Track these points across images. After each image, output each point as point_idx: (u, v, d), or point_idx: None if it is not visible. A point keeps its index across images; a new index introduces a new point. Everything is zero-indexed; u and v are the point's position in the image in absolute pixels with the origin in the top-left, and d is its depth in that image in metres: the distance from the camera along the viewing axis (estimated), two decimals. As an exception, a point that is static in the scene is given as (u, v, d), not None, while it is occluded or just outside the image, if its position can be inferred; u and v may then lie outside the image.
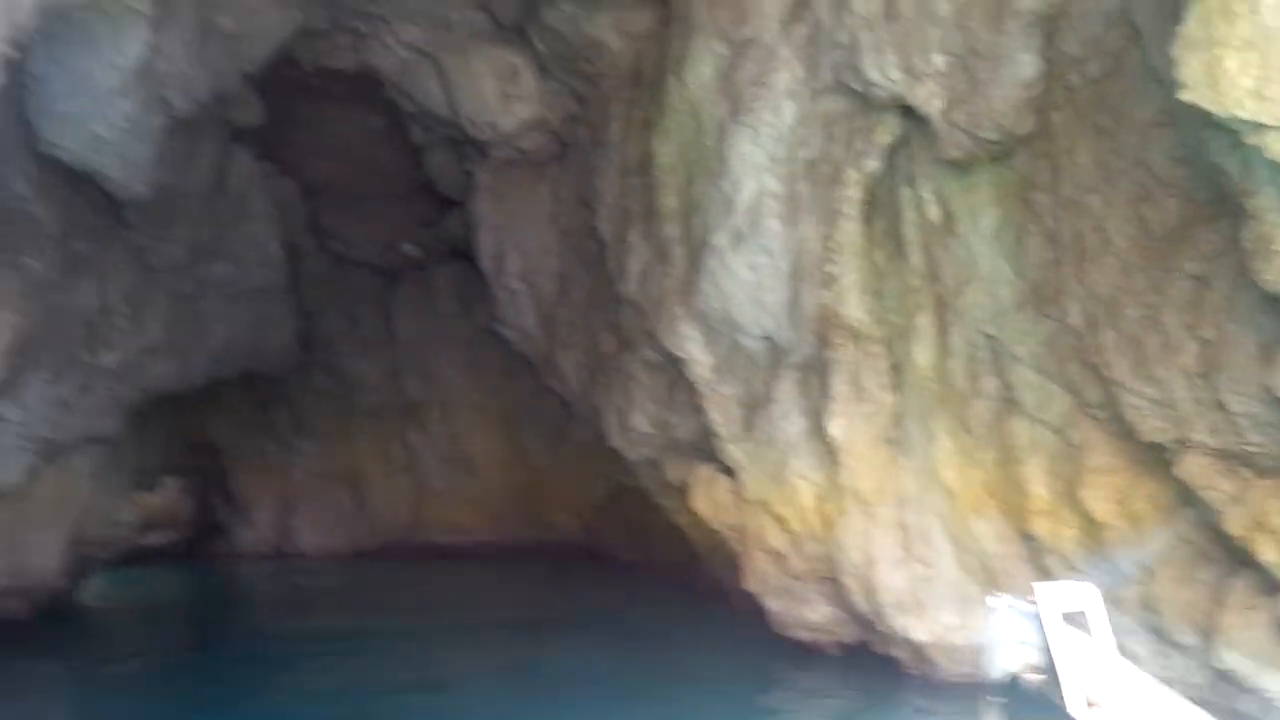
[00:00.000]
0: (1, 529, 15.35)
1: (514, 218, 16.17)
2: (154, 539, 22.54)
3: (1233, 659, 7.24)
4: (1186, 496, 7.56)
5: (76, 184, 13.05)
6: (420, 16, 15.18)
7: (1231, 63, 5.59)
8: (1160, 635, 8.04)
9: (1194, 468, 7.32)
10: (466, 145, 16.69)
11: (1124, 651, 2.44)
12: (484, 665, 12.01)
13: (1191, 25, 5.86)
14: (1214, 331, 6.97)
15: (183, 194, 15.14)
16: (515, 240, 16.20)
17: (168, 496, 23.56)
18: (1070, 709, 1.85)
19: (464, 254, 18.56)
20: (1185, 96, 5.86)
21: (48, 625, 15.91)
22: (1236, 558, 7.16)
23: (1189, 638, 7.79)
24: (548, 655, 12.25)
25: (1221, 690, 7.44)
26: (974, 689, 9.07)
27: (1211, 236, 6.94)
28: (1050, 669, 1.96)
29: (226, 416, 22.33)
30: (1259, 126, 5.58)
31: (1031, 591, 2.05)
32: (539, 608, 15.55)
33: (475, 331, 19.21)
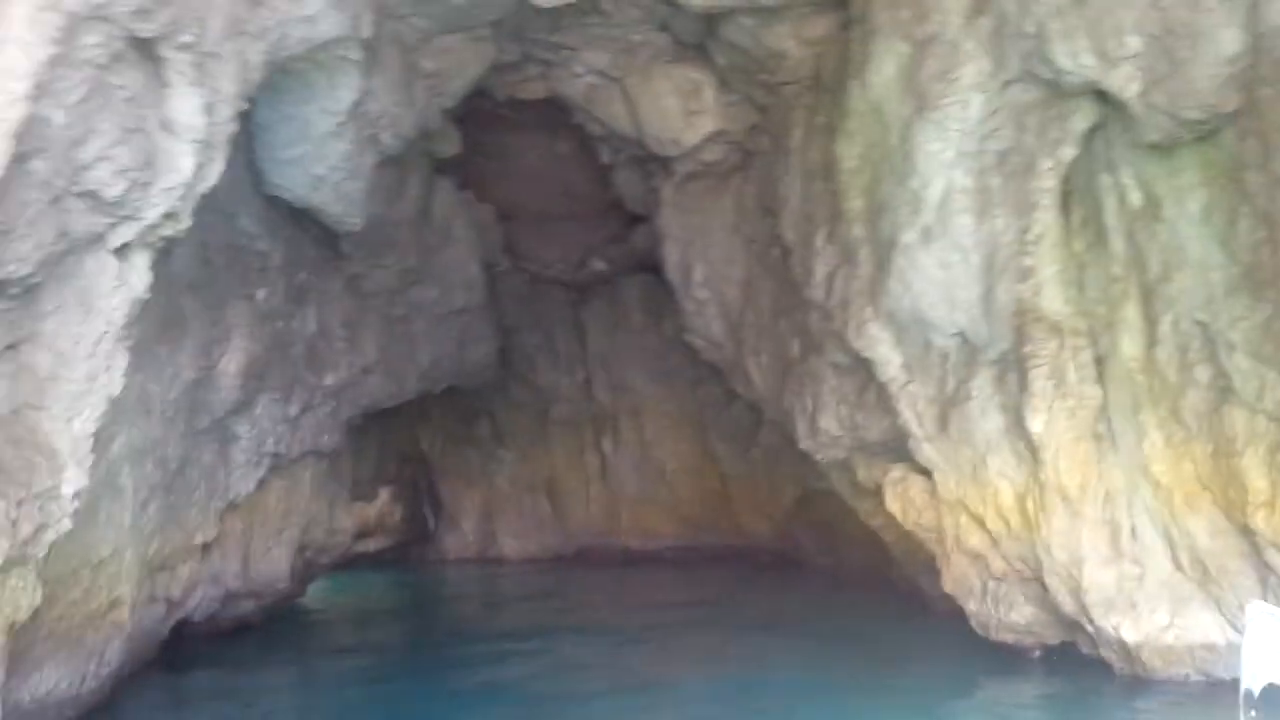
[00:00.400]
0: (235, 537, 16.89)
1: (698, 229, 16.62)
2: (368, 545, 24.22)
3: None
4: None
5: (298, 220, 14.38)
6: (605, 42, 15.86)
7: None
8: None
9: None
10: (651, 162, 17.28)
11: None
12: (680, 667, 12.38)
13: None
14: None
15: (392, 224, 16.38)
16: (700, 250, 16.64)
17: (381, 505, 25.25)
18: None
19: (651, 267, 19.16)
20: None
21: (276, 625, 17.39)
22: None
23: None
24: (742, 657, 12.51)
25: None
26: (1187, 690, 8.77)
27: None
28: None
29: (433, 430, 23.84)
30: None
31: None
32: (732, 610, 15.83)
33: (664, 341, 19.77)
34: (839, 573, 16.39)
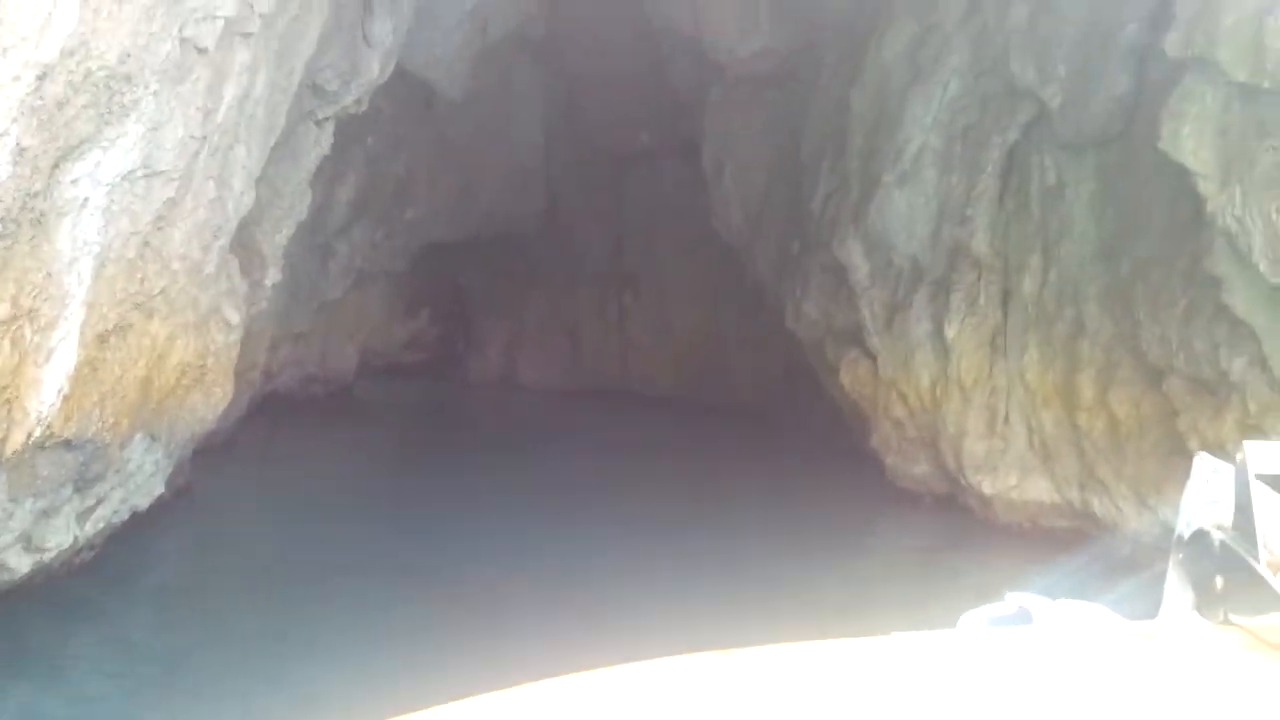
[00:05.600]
0: (318, 333, 21.65)
1: (734, 131, 20.63)
2: (410, 358, 29.01)
3: None
4: (1172, 410, 11.53)
5: (408, 84, 18.43)
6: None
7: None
8: None
9: (1175, 387, 11.29)
10: (706, 63, 21.10)
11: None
12: (656, 475, 17.28)
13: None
14: (1196, 293, 10.84)
15: (481, 92, 20.42)
16: (733, 150, 20.69)
17: (421, 324, 29.91)
18: (1259, 567, 1.78)
19: (689, 152, 23.15)
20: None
21: (336, 406, 22.33)
22: (1175, 444, 11.18)
23: None
24: (703, 480, 17.31)
25: None
26: (1026, 533, 13.46)
27: (1191, 236, 10.72)
28: (1243, 528, 1.84)
29: (475, 267, 28.21)
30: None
31: (1240, 451, 1.92)
32: (711, 448, 20.61)
33: (692, 220, 23.89)
34: (806, 431, 21.02)
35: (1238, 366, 10.10)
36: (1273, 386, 9.67)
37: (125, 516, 9.32)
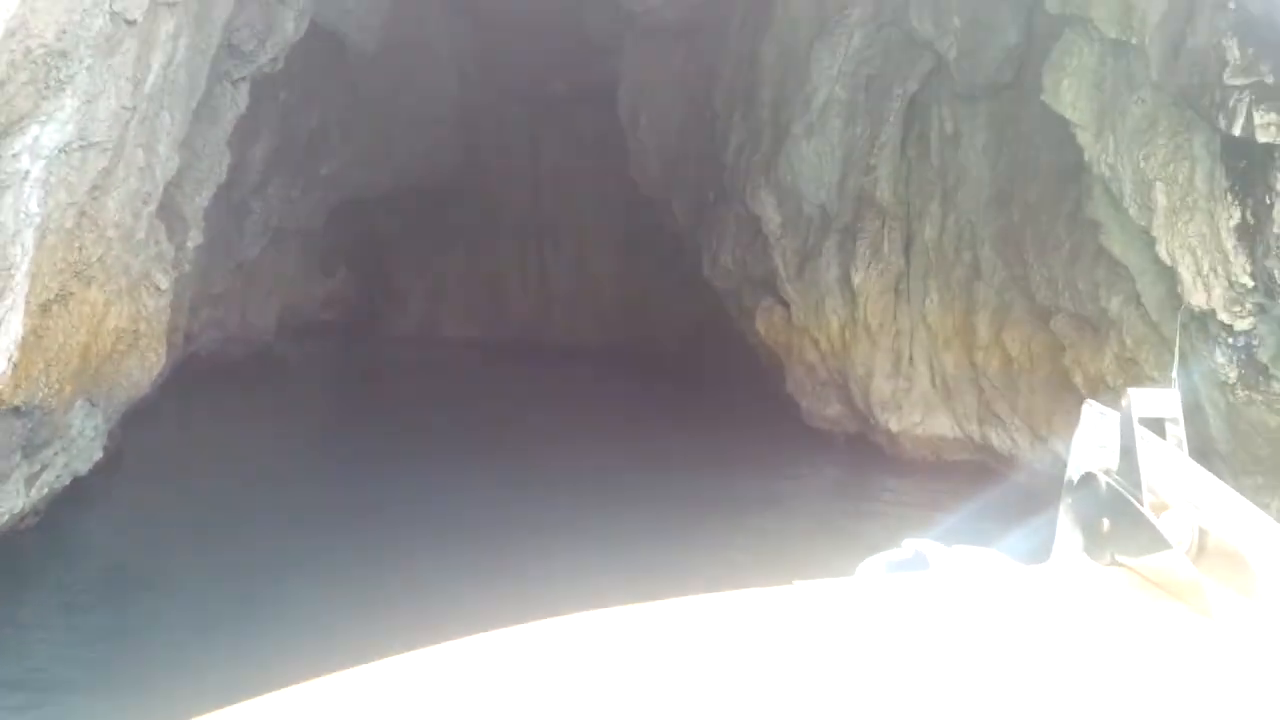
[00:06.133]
0: (236, 294, 21.78)
1: (650, 80, 21.14)
2: (328, 315, 29.13)
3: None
4: (1059, 347, 12.53)
5: (320, 38, 18.53)
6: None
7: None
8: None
9: (1061, 326, 12.28)
10: (619, 12, 21.50)
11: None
12: (580, 425, 17.96)
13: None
14: (1079, 236, 11.78)
15: (391, 42, 20.56)
16: (648, 100, 21.22)
17: (339, 281, 30.00)
18: (1142, 509, 1.78)
19: (605, 101, 23.57)
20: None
21: (255, 367, 22.49)
22: (1063, 379, 12.21)
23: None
24: (622, 424, 18.04)
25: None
26: (931, 466, 14.46)
27: (1074, 182, 11.63)
28: (1128, 472, 1.86)
29: (392, 221, 28.35)
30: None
31: (1125, 397, 1.91)
32: (633, 395, 21.36)
33: (609, 169, 24.39)
34: (726, 377, 21.88)
35: (1115, 304, 11.08)
36: (1145, 322, 10.65)
37: (66, 481, 9.69)
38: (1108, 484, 1.71)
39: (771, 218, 16.48)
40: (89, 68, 7.02)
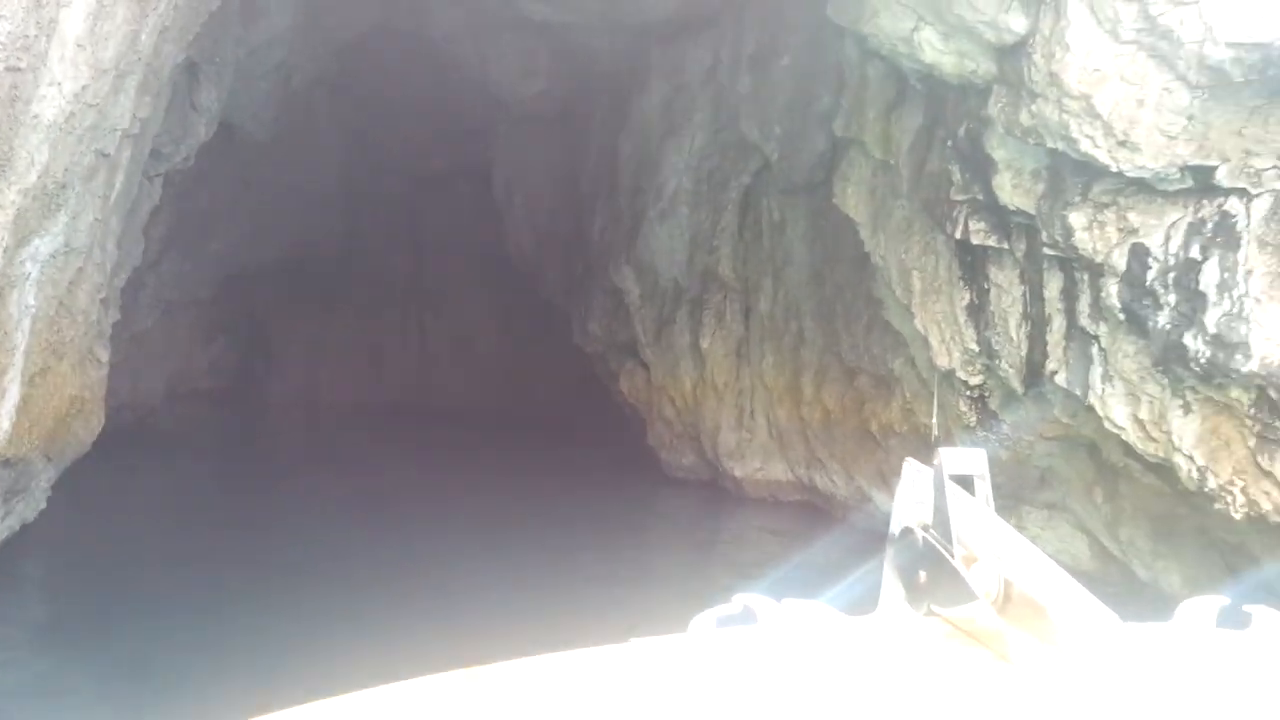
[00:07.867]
0: (128, 363, 23.78)
1: (523, 165, 24.16)
2: (211, 384, 31.05)
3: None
4: (862, 401, 15.74)
5: (218, 128, 20.99)
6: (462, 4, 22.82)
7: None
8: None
9: (863, 384, 15.50)
10: (492, 101, 24.49)
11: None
12: (457, 483, 20.46)
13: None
14: (872, 310, 15.04)
15: (282, 130, 23.12)
16: (521, 180, 24.24)
17: (220, 351, 31.95)
18: (954, 562, 1.87)
19: (482, 178, 26.45)
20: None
21: (140, 434, 24.31)
22: (864, 428, 15.41)
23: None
24: (502, 484, 20.65)
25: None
26: (769, 505, 17.54)
27: (867, 265, 14.88)
28: (940, 526, 1.96)
29: (272, 290, 30.55)
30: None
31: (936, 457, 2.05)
32: (512, 456, 23.99)
33: (487, 241, 27.21)
34: (595, 435, 24.70)
35: (897, 365, 14.35)
36: (919, 379, 13.88)
37: (16, 528, 11.85)
38: (924, 538, 1.82)
39: (632, 290, 19.50)
40: (77, 193, 9.49)
